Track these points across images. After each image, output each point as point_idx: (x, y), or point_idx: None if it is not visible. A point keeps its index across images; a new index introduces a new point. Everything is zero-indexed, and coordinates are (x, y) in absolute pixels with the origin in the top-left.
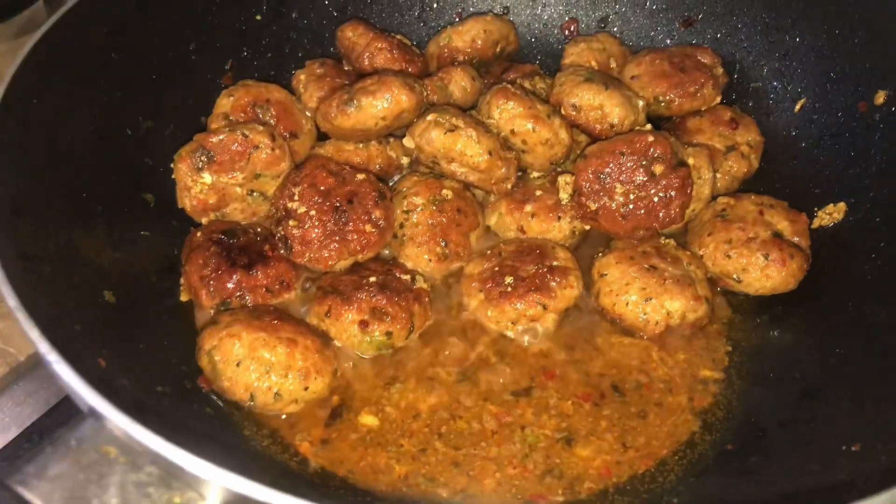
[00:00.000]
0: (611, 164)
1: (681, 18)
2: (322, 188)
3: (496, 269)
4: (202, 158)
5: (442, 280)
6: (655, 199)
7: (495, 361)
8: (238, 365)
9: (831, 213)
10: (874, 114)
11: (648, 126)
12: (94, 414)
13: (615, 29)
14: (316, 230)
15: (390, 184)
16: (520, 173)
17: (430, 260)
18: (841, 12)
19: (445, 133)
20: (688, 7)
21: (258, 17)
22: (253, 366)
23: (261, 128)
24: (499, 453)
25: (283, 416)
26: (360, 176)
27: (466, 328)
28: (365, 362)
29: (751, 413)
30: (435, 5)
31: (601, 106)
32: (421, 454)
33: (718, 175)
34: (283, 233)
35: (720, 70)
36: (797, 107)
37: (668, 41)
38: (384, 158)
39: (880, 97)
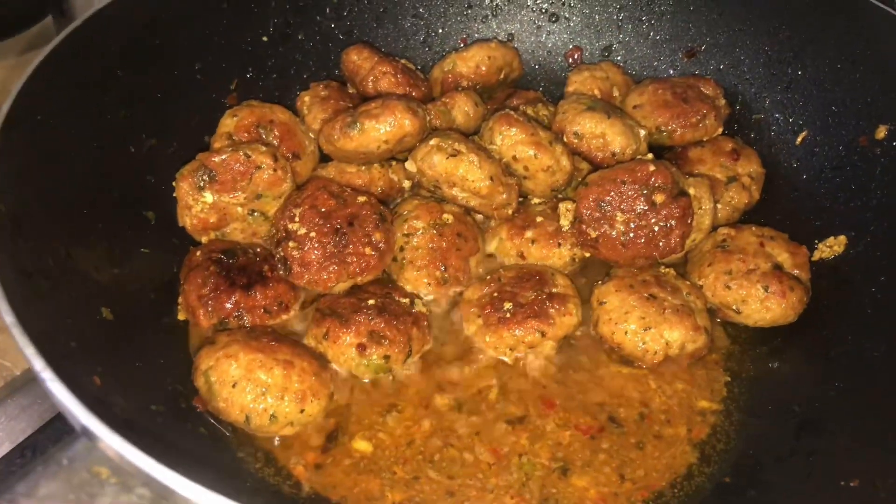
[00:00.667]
0: (612, 193)
1: (684, 49)
2: (323, 210)
3: (495, 294)
4: (204, 177)
5: (441, 304)
6: (656, 229)
7: (493, 388)
8: (234, 386)
9: (832, 246)
10: (875, 148)
11: (650, 155)
12: (86, 434)
13: (619, 58)
14: (315, 252)
15: (391, 207)
16: (521, 199)
17: (429, 284)
18: (842, 46)
19: (447, 158)
20: (691, 38)
21: (265, 39)
22: (249, 387)
23: (263, 148)
24: (496, 483)
25: (278, 439)
26: (362, 198)
27: (465, 353)
28: (362, 386)
29: (749, 445)
30: (440, 30)
31: (603, 134)
32: (414, 482)
33: (719, 206)
34: (282, 254)
35: (722, 101)
36: (799, 139)
37: (671, 71)
38: (386, 181)
39: (881, 132)
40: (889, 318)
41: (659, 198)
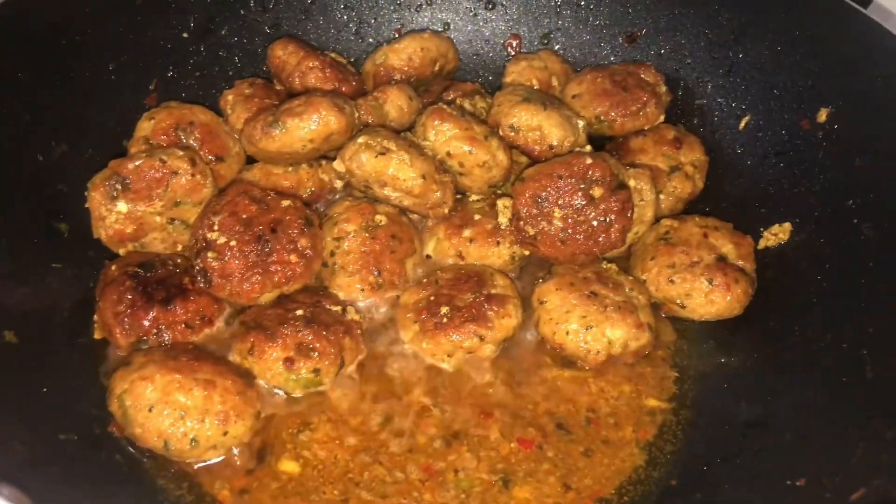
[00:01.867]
0: (548, 188)
1: (624, 34)
2: (244, 216)
3: (432, 298)
4: (117, 186)
5: (377, 310)
6: (595, 224)
7: (429, 400)
8: (150, 410)
9: (777, 234)
10: (817, 132)
11: (588, 147)
12: None
13: (558, 45)
14: (236, 261)
15: (322, 209)
16: (459, 196)
17: (362, 290)
18: (782, 28)
19: (376, 156)
20: (630, 22)
21: (185, 35)
22: (167, 411)
23: (180, 153)
24: (432, 501)
25: (201, 464)
26: (286, 202)
27: (401, 361)
28: (290, 402)
29: (696, 444)
30: (373, 21)
31: (539, 127)
32: None
33: (662, 196)
34: (201, 265)
35: (663, 88)
36: (742, 124)
37: (613, 58)
38: (315, 182)
39: (822, 115)
40: (832, 307)
41: (597, 192)
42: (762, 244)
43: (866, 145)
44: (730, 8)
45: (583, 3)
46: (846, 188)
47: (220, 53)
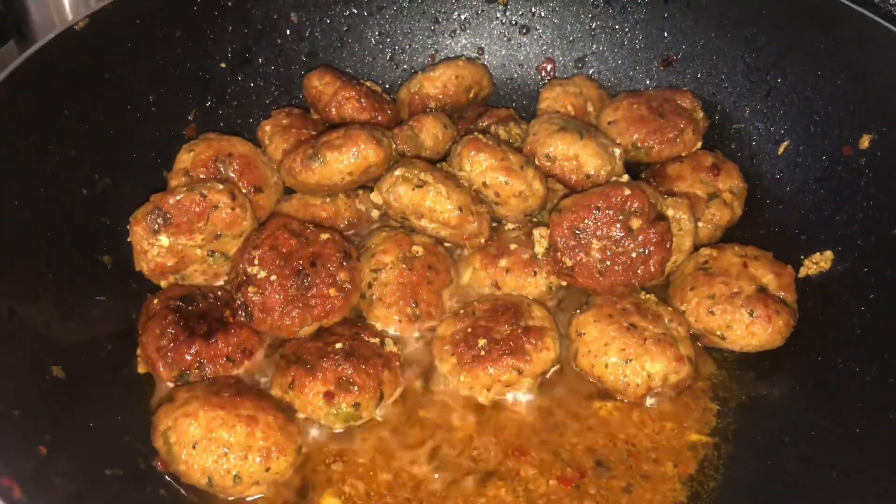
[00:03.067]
0: (586, 219)
1: (660, 58)
2: (283, 250)
3: (469, 330)
4: (158, 220)
5: (416, 341)
6: (633, 255)
7: (467, 434)
8: (195, 447)
9: (818, 263)
10: (859, 158)
11: (625, 177)
12: None
13: (593, 69)
14: (277, 296)
15: (357, 242)
16: (495, 224)
17: (400, 321)
18: (822, 53)
19: (413, 189)
20: (666, 46)
21: (223, 66)
22: (211, 447)
23: (220, 186)
24: None
25: (246, 500)
26: (325, 236)
27: (439, 394)
28: (331, 436)
29: (738, 480)
30: (407, 47)
31: (576, 156)
32: None
33: (700, 224)
34: (242, 299)
35: (700, 114)
36: (781, 149)
37: (648, 81)
38: (353, 212)
39: (865, 141)
40: (879, 339)
41: (635, 223)
42: (803, 273)
43: None
44: (768, 32)
45: (617, 26)
46: (890, 216)
47: (258, 82)
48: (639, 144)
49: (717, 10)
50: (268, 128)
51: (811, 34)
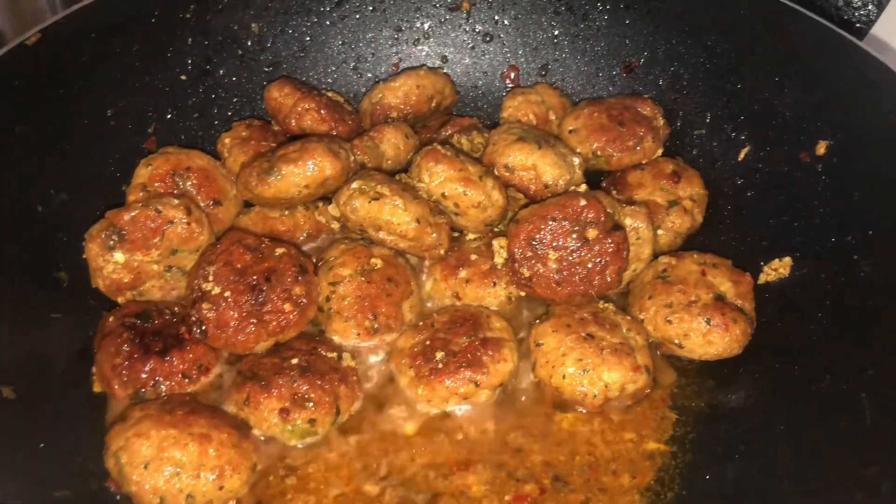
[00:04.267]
0: (543, 230)
1: (622, 64)
2: (238, 266)
3: (427, 342)
4: (113, 237)
5: (375, 354)
6: (590, 265)
7: (423, 450)
8: (146, 467)
9: (777, 269)
10: (817, 164)
11: (583, 186)
12: None
13: (556, 76)
14: (231, 312)
15: (322, 246)
16: (456, 234)
17: (358, 334)
18: (779, 59)
19: (370, 201)
20: (628, 53)
21: (183, 78)
22: (162, 467)
23: (175, 201)
24: None
25: None
26: (280, 250)
27: (396, 408)
28: (285, 451)
29: (695, 488)
30: (371, 56)
31: (534, 166)
32: None
33: (661, 231)
34: (197, 316)
35: (661, 121)
36: (741, 155)
37: (611, 88)
38: (312, 225)
39: (821, 147)
40: (833, 346)
41: (591, 233)
42: (763, 279)
43: (864, 180)
44: (727, 38)
45: (580, 34)
46: (845, 223)
47: (220, 94)
48: (599, 153)
49: (676, 17)
50: (227, 140)
51: (768, 41)
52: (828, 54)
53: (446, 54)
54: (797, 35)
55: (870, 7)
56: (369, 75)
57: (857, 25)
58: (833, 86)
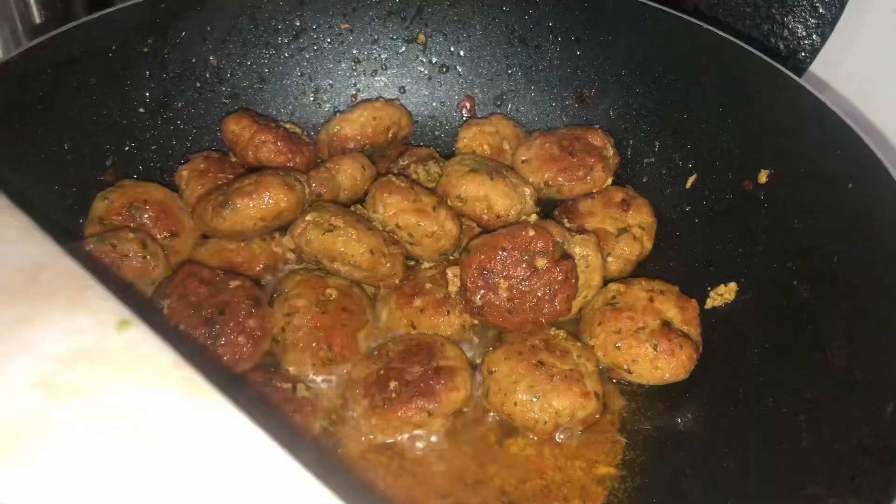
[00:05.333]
0: (493, 260)
1: (574, 94)
2: (193, 299)
3: (381, 371)
4: None
5: (329, 384)
6: (540, 294)
7: (374, 482)
8: None
9: (723, 294)
10: (759, 192)
11: (533, 216)
12: None
13: (511, 105)
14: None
15: (279, 277)
16: (412, 263)
17: (313, 364)
18: (721, 91)
19: (324, 233)
20: (580, 83)
21: (141, 110)
22: None
23: (131, 235)
24: None
25: None
26: (234, 283)
27: (351, 439)
28: None
29: None
30: (329, 87)
31: (486, 197)
32: None
33: (611, 258)
34: None
35: (611, 151)
36: (689, 183)
37: (564, 117)
38: (268, 256)
39: (763, 176)
40: (775, 370)
41: (541, 263)
42: (709, 304)
43: (801, 208)
44: (673, 70)
45: (533, 65)
46: (786, 250)
47: (178, 126)
48: (550, 183)
49: (625, 49)
50: (184, 172)
51: (712, 74)
52: (767, 88)
53: (404, 85)
54: (739, 69)
55: (814, 37)
56: (328, 106)
57: (803, 55)
58: (772, 117)
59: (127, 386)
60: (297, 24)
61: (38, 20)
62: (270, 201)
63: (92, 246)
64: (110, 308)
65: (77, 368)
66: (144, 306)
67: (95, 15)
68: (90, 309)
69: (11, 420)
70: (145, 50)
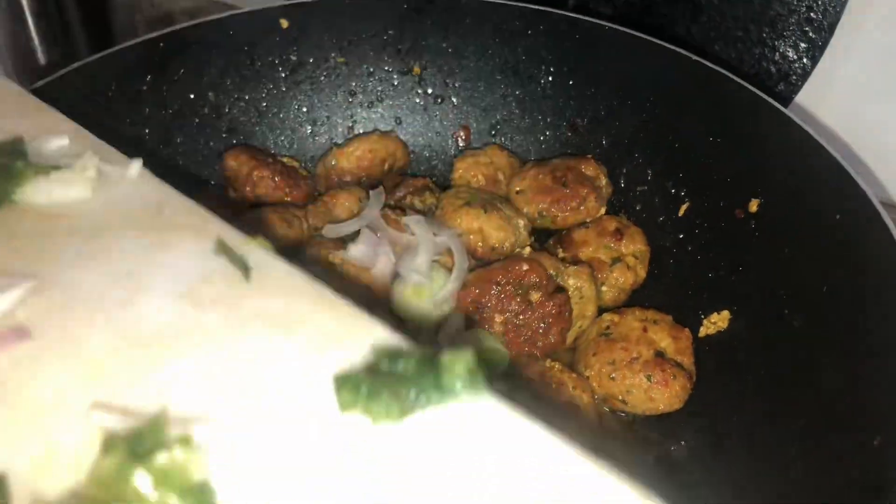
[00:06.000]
0: (487, 294)
1: (567, 123)
2: None
3: None
4: None
5: None
6: (534, 327)
7: None
8: None
9: (716, 322)
10: (750, 221)
11: (527, 249)
12: None
13: (506, 134)
14: None
15: None
16: None
17: None
18: (711, 120)
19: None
20: (573, 112)
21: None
22: None
23: None
24: None
25: None
26: None
27: None
28: None
29: None
30: (326, 120)
31: (480, 230)
32: None
33: (605, 288)
34: None
35: (604, 181)
36: (681, 211)
37: (558, 146)
38: None
39: (753, 205)
40: (767, 399)
41: (535, 296)
42: (703, 332)
43: (791, 238)
44: (664, 100)
45: (526, 96)
46: (777, 278)
47: (178, 161)
48: (544, 213)
49: (616, 79)
50: None
51: (701, 104)
52: (755, 119)
53: (400, 116)
54: (727, 99)
55: (804, 61)
56: (325, 138)
57: (794, 78)
58: (761, 148)
59: (266, 298)
60: (294, 58)
61: (42, 61)
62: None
63: None
64: (233, 236)
65: (216, 285)
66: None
67: (95, 56)
68: (216, 236)
69: (165, 326)
70: (144, 88)
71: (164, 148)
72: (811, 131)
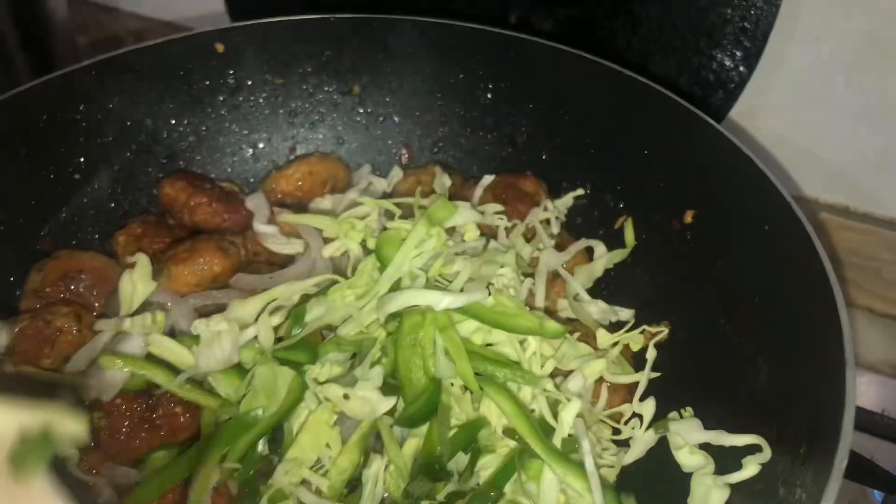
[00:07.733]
0: None
1: (507, 139)
2: None
3: None
4: (1, 352)
5: None
6: None
7: None
8: None
9: (656, 334)
10: (686, 233)
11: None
12: None
13: (448, 154)
14: (123, 420)
15: None
16: None
17: None
18: (643, 135)
19: None
20: (513, 128)
21: (77, 177)
22: None
23: (65, 309)
24: None
25: None
26: None
27: None
28: None
29: None
30: (268, 142)
31: None
32: None
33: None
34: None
35: (542, 196)
36: (617, 224)
37: (499, 162)
38: None
39: (688, 216)
40: (706, 409)
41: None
42: (644, 343)
43: (724, 248)
44: (599, 115)
45: (466, 112)
46: (712, 291)
47: (116, 189)
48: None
49: (551, 95)
50: (121, 238)
51: (635, 119)
52: (688, 132)
53: (341, 136)
54: (659, 113)
55: (741, 69)
56: (266, 161)
57: (732, 86)
58: (692, 161)
59: None
60: (232, 82)
61: None
62: (205, 266)
63: (24, 324)
64: None
65: None
66: None
67: (23, 87)
68: None
69: None
70: (77, 117)
71: (100, 176)
72: (740, 144)
